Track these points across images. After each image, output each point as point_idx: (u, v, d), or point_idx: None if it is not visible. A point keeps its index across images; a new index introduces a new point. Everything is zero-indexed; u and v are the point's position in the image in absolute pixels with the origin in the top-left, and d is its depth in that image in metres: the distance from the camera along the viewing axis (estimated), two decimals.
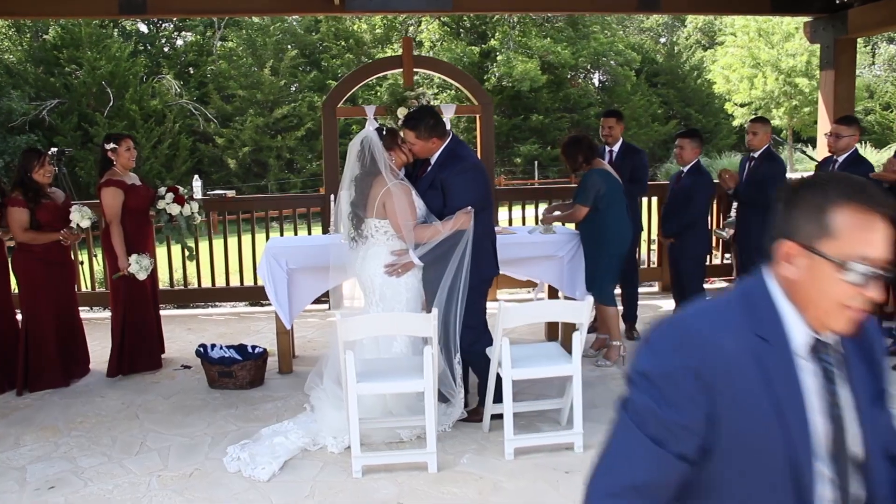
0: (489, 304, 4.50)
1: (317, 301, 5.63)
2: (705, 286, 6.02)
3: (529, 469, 3.84)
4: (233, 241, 7.61)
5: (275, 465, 3.87)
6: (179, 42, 29.41)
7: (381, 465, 3.86)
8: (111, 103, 22.39)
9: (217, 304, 7.82)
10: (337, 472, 3.85)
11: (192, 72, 27.78)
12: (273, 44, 27.15)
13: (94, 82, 22.57)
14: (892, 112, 30.37)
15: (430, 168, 4.30)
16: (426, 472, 3.80)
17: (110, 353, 5.49)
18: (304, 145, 26.60)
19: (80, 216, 5.23)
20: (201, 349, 5.26)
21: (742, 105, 29.01)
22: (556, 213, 5.69)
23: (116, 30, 26.13)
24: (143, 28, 29.11)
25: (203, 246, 7.65)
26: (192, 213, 5.59)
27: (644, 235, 7.11)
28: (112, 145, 5.35)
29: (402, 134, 4.27)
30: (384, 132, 4.24)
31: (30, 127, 21.06)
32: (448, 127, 6.05)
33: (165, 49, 28.59)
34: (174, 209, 5.46)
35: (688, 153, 5.64)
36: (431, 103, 6.96)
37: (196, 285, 7.84)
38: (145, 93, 23.92)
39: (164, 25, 29.37)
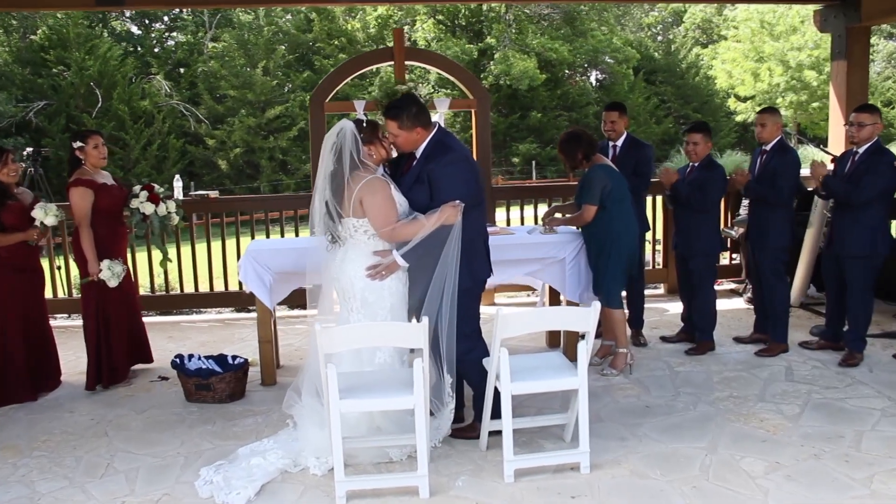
0: (486, 311, 4.14)
1: (302, 306, 5.30)
2: (715, 287, 5.66)
3: (532, 493, 3.49)
4: (217, 244, 7.25)
5: (250, 489, 3.53)
6: (170, 42, 29.07)
7: (367, 490, 3.52)
8: (99, 104, 22.05)
9: (201, 310, 7.45)
10: (319, 498, 3.51)
11: (182, 72, 27.44)
12: (265, 43, 26.81)
13: (82, 83, 22.27)
14: (893, 109, 30.10)
15: (415, 162, 3.94)
16: (417, 498, 3.46)
17: (87, 366, 5.14)
18: (298, 146, 26.26)
19: (44, 213, 4.88)
20: (177, 360, 4.92)
21: (745, 99, 28.70)
22: (558, 215, 5.35)
23: (106, 30, 25.79)
24: (135, 29, 28.79)
25: (185, 250, 7.32)
26: (169, 213, 5.23)
27: (648, 236, 6.78)
28: (79, 143, 5.01)
29: (385, 125, 3.91)
30: (364, 124, 3.88)
31: (16, 129, 20.75)
32: (442, 122, 5.74)
33: (156, 49, 28.23)
34: (148, 208, 5.11)
35: (702, 148, 5.36)
36: (422, 96, 6.60)
37: (178, 290, 7.51)
38: (134, 93, 23.60)
39: (154, 25, 29.05)
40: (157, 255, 6.38)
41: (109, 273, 4.95)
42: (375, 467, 3.76)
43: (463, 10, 29.19)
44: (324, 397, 3.55)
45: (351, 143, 3.77)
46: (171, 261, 5.56)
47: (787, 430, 4.09)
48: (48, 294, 6.08)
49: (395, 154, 3.99)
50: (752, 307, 6.05)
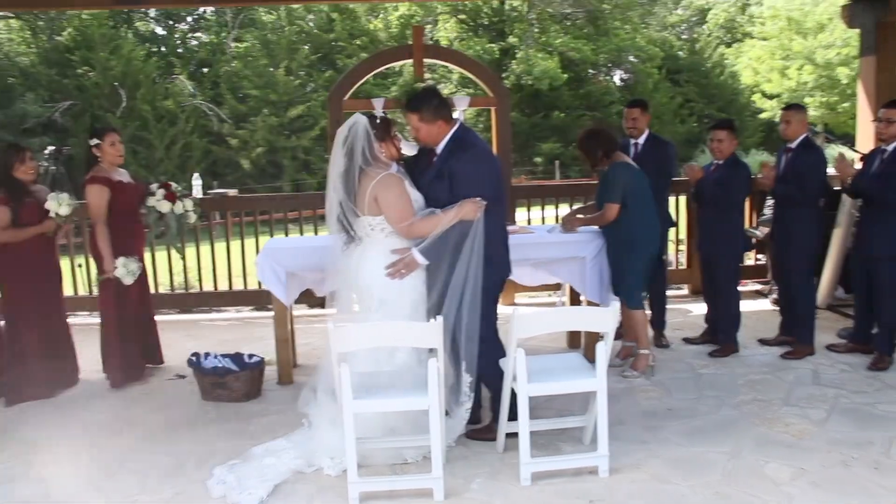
0: (504, 311, 4.06)
1: (321, 305, 5.25)
2: (739, 288, 5.53)
3: (549, 497, 3.41)
4: (237, 242, 7.23)
5: (263, 489, 3.48)
6: (193, 42, 29.27)
7: (381, 492, 3.46)
8: (123, 104, 22.24)
9: (222, 309, 7.44)
10: (332, 499, 3.46)
11: (205, 72, 27.60)
12: (287, 43, 26.89)
13: (106, 83, 22.46)
14: None
15: (435, 158, 3.87)
16: (432, 500, 3.39)
17: (111, 363, 5.11)
18: (320, 145, 26.29)
19: (57, 203, 4.89)
20: (193, 358, 4.90)
21: (772, 97, 28.28)
22: (580, 216, 5.25)
23: (130, 31, 25.99)
24: (159, 29, 29.02)
25: (205, 248, 7.31)
26: (186, 211, 5.20)
27: (671, 235, 6.65)
28: (95, 140, 5.00)
29: (405, 119, 3.85)
30: (378, 121, 3.82)
31: (43, 129, 20.98)
32: (462, 119, 5.67)
33: (179, 49, 28.43)
34: (164, 206, 5.08)
35: (726, 145, 5.23)
36: (443, 93, 6.52)
37: (198, 289, 7.50)
38: (158, 93, 23.76)
39: (177, 26, 29.26)
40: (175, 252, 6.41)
41: (124, 270, 4.93)
42: (390, 468, 3.70)
43: (485, 10, 29.11)
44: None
45: (363, 138, 3.71)
46: (182, 257, 5.54)
47: (814, 436, 3.97)
48: (69, 292, 6.11)
49: (405, 152, 3.92)
50: (777, 308, 5.91)
